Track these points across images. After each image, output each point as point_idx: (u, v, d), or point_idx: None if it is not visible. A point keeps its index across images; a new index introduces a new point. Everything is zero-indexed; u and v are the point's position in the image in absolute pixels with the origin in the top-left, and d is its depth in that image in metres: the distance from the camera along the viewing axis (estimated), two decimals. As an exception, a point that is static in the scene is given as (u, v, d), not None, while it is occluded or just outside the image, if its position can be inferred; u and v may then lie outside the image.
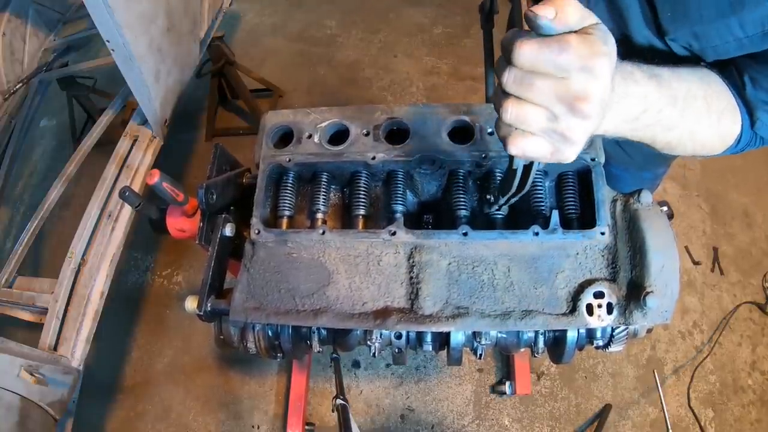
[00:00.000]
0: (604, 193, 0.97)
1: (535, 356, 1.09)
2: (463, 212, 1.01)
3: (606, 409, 2.26)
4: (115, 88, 2.45)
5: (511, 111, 0.57)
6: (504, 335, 1.06)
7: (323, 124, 1.08)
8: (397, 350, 1.08)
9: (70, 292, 1.82)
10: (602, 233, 0.94)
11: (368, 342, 1.02)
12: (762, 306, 2.49)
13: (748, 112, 0.86)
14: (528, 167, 0.73)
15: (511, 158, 0.70)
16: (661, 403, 2.26)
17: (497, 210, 1.01)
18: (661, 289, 0.89)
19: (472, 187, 1.06)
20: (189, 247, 2.66)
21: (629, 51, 0.84)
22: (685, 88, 0.78)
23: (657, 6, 0.82)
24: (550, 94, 0.55)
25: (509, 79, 0.55)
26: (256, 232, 1.00)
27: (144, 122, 2.19)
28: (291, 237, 1.00)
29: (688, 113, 0.79)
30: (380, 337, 1.02)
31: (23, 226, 2.08)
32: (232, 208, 1.15)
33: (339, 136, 1.08)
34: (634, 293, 0.90)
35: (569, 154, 0.60)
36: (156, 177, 1.01)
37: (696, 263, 2.62)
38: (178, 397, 2.42)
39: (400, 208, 1.02)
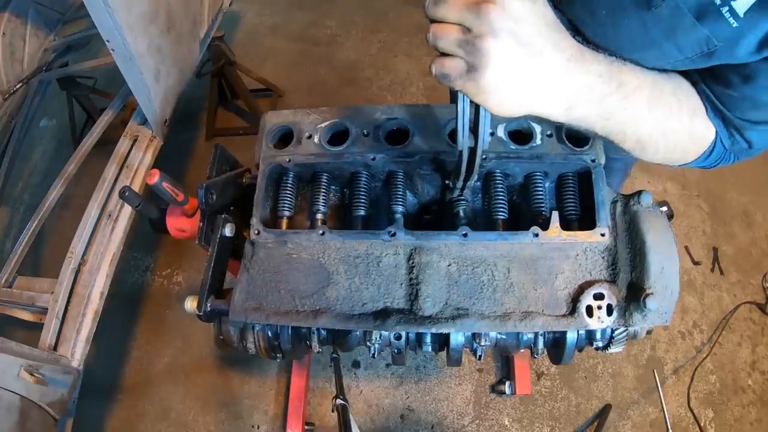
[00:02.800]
0: (604, 195, 0.96)
1: (534, 357, 1.09)
2: (462, 213, 1.01)
3: (606, 409, 2.26)
4: (115, 88, 2.45)
5: (432, 31, 0.63)
6: (504, 336, 1.06)
7: (323, 125, 1.08)
8: (396, 351, 1.08)
9: (70, 292, 1.82)
10: (602, 234, 0.94)
11: (368, 343, 1.02)
12: (762, 306, 2.49)
13: (727, 127, 0.83)
14: (473, 150, 0.80)
15: (457, 140, 0.78)
16: (661, 403, 2.26)
17: (459, 195, 1.01)
18: (661, 290, 0.89)
19: (473, 188, 1.06)
20: (189, 247, 2.66)
21: None
22: (651, 79, 0.76)
23: (586, 36, 0.80)
24: (461, 6, 0.60)
25: (429, 3, 0.61)
26: (256, 232, 1.00)
27: (144, 122, 2.19)
28: (291, 237, 1.00)
29: (657, 105, 0.77)
30: (380, 337, 1.02)
31: (23, 226, 2.08)
32: (232, 208, 1.15)
33: (339, 136, 1.08)
34: (634, 295, 0.90)
35: (483, 72, 0.61)
36: (156, 177, 1.01)
37: (696, 263, 2.62)
38: (178, 397, 2.42)
39: (400, 208, 1.02)
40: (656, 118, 0.78)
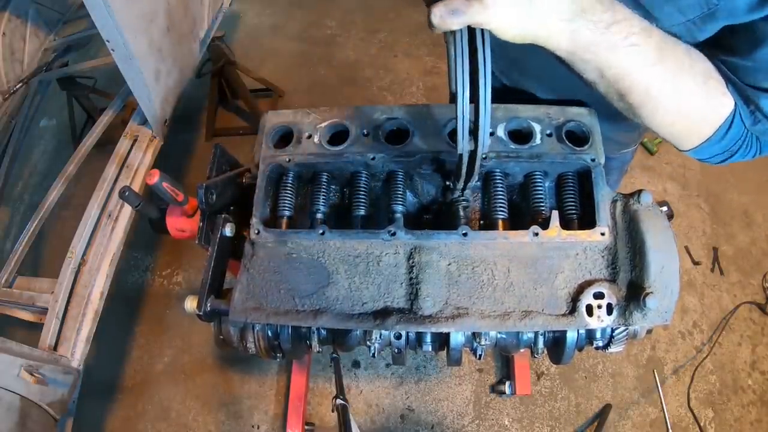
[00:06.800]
0: (604, 194, 0.96)
1: (534, 357, 1.09)
2: (462, 213, 1.01)
3: (606, 409, 2.26)
4: (115, 88, 2.45)
5: None
6: (504, 336, 1.06)
7: (323, 125, 1.08)
8: (396, 350, 1.08)
9: (70, 292, 1.82)
10: (602, 234, 0.94)
11: (368, 342, 1.02)
12: (762, 306, 2.49)
13: (747, 103, 0.80)
14: (473, 153, 0.81)
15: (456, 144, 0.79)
16: (661, 403, 2.27)
17: (460, 196, 1.01)
18: (661, 289, 0.89)
19: (473, 188, 1.06)
20: (189, 247, 2.66)
21: None
22: (661, 32, 0.75)
23: None
24: None
25: None
26: (256, 232, 1.00)
27: (144, 122, 2.19)
28: (291, 237, 1.00)
29: (668, 55, 0.75)
30: (380, 337, 1.02)
31: (23, 226, 2.09)
32: (232, 208, 1.15)
33: (339, 136, 1.08)
34: (634, 294, 0.90)
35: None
36: (156, 177, 1.01)
37: (696, 263, 2.62)
38: (178, 397, 2.42)
39: (399, 208, 1.02)
40: (667, 69, 0.75)
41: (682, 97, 0.79)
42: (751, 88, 0.78)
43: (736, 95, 0.80)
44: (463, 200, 1.01)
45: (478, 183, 1.06)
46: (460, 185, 0.95)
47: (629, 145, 1.35)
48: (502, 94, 1.18)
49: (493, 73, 1.22)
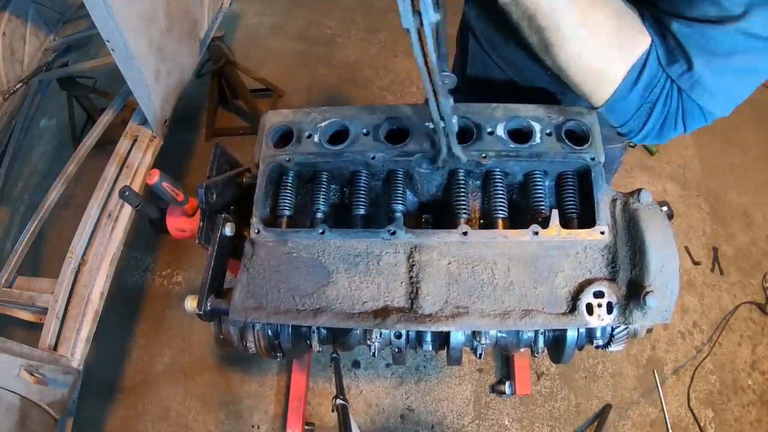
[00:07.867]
0: (603, 193, 0.96)
1: (534, 356, 1.09)
2: (463, 212, 1.01)
3: (606, 409, 2.26)
4: (115, 88, 2.46)
5: None
6: (504, 335, 1.06)
7: (323, 124, 1.08)
8: (396, 350, 1.08)
9: (70, 292, 1.82)
10: (602, 232, 0.94)
11: (368, 341, 1.02)
12: (762, 306, 2.49)
13: (664, 37, 0.77)
14: (421, 33, 0.64)
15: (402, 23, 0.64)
16: (661, 403, 2.27)
17: (448, 153, 0.96)
18: (661, 288, 0.89)
19: (472, 187, 1.06)
20: (189, 247, 2.66)
21: None
22: None
23: None
24: None
25: None
26: (256, 231, 1.00)
27: (144, 122, 2.20)
28: (291, 236, 1.00)
29: None
30: (380, 336, 1.02)
31: (23, 226, 2.09)
32: (232, 207, 1.15)
33: (339, 135, 1.08)
34: (634, 293, 0.90)
35: None
36: (156, 177, 1.01)
37: (696, 263, 2.62)
38: (178, 397, 2.42)
39: (399, 207, 1.02)
40: (577, 1, 0.73)
41: (591, 27, 0.76)
42: (667, 15, 0.76)
43: (653, 31, 0.78)
44: (463, 196, 0.99)
45: (478, 182, 1.06)
46: (443, 140, 0.88)
47: (613, 141, 1.35)
48: (514, 93, 1.18)
49: (500, 68, 1.21)
